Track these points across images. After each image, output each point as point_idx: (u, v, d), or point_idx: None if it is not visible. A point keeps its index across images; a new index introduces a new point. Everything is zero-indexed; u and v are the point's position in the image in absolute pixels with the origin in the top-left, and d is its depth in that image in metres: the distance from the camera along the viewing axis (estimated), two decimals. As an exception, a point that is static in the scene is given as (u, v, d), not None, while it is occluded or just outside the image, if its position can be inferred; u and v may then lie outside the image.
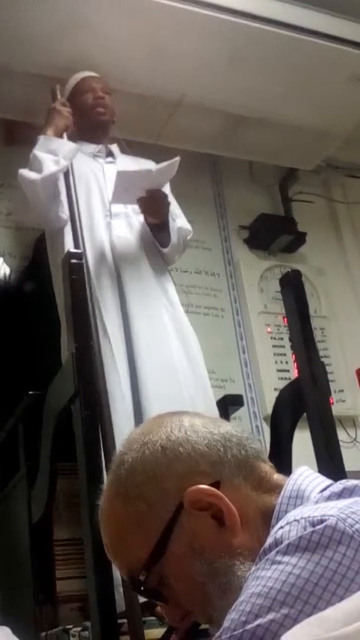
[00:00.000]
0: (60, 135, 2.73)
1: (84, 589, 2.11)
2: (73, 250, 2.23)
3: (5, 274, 3.16)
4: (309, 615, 0.65)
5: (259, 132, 3.62)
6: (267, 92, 3.34)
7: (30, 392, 2.46)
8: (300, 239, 3.96)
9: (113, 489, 0.95)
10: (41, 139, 2.68)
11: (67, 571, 2.27)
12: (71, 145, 2.69)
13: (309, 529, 0.73)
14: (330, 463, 2.19)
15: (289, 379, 3.26)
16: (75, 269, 2.16)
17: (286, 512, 0.83)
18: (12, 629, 1.40)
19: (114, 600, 1.82)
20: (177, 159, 2.59)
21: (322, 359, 2.55)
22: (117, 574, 1.67)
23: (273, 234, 3.90)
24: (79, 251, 2.24)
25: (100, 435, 2.00)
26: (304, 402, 2.38)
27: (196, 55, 3.10)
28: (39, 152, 2.63)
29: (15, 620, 2.29)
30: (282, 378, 3.51)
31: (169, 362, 2.47)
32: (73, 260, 2.17)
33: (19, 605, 2.40)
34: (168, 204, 2.67)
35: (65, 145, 2.68)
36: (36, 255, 3.27)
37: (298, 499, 0.85)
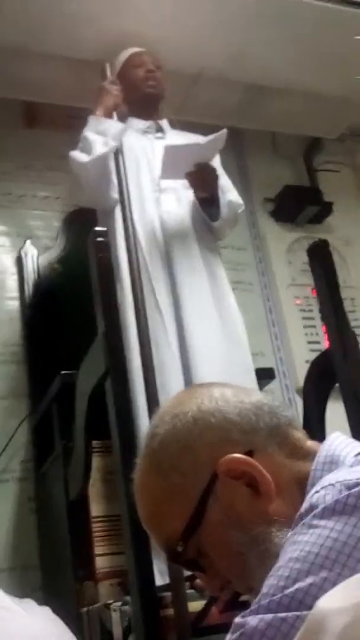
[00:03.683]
0: (109, 115, 2.73)
1: (123, 564, 2.13)
2: (98, 228, 2.23)
3: (32, 256, 3.17)
4: (348, 578, 0.64)
5: (281, 102, 3.58)
6: (286, 60, 3.29)
7: (63, 372, 2.48)
8: (326, 209, 3.92)
9: (146, 462, 0.95)
10: (91, 119, 2.69)
11: (105, 547, 2.29)
12: (120, 125, 2.69)
13: (345, 492, 0.73)
14: (364, 432, 2.18)
15: (320, 350, 3.23)
16: (102, 247, 2.16)
17: (321, 477, 0.82)
18: (53, 607, 1.42)
19: (153, 574, 1.84)
20: (224, 131, 2.58)
21: (353, 329, 2.53)
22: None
23: (299, 205, 3.86)
24: (104, 229, 2.24)
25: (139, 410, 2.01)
26: (335, 373, 2.37)
27: (213, 26, 3.06)
28: (89, 133, 2.64)
29: (57, 598, 2.33)
30: (313, 350, 3.48)
31: (212, 336, 2.48)
32: (99, 239, 2.17)
33: (60, 584, 2.43)
34: (216, 177, 2.66)
35: (114, 126, 2.68)
36: (62, 236, 3.29)
37: (333, 464, 0.84)
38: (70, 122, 3.13)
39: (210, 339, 2.47)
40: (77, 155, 2.64)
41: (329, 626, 0.55)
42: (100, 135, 2.63)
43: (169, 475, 0.91)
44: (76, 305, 2.69)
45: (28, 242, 3.21)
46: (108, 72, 2.87)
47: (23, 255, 3.17)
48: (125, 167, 2.58)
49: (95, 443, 2.25)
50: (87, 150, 2.62)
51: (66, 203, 3.34)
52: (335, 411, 2.38)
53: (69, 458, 2.30)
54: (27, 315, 3.08)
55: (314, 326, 3.63)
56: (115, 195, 2.59)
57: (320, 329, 3.52)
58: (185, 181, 2.65)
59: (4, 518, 2.76)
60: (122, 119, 2.79)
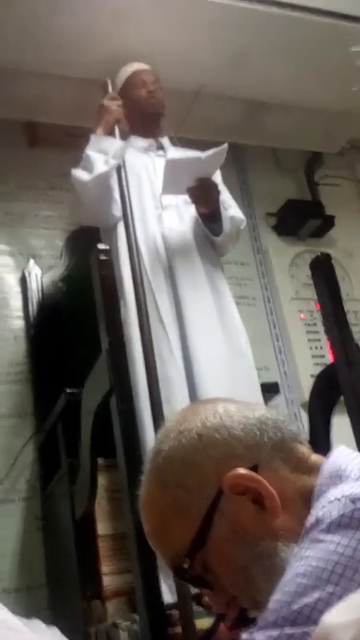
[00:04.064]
0: (110, 131, 2.74)
1: (130, 582, 2.12)
2: (101, 246, 2.23)
3: (36, 275, 3.18)
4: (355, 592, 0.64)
5: (281, 117, 3.60)
6: (286, 76, 3.32)
7: (68, 390, 2.48)
8: (328, 222, 3.93)
9: (152, 479, 0.95)
10: (92, 138, 2.71)
11: (112, 566, 2.28)
12: (121, 143, 2.70)
13: (350, 507, 0.73)
14: (370, 445, 2.17)
15: (325, 364, 3.23)
16: (105, 265, 2.17)
17: (326, 491, 0.82)
18: (61, 627, 1.40)
19: (160, 592, 1.83)
20: (225, 145, 2.58)
21: (357, 342, 2.53)
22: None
23: (301, 219, 3.87)
24: (107, 247, 2.25)
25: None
26: (340, 386, 2.36)
27: (212, 43, 3.08)
28: (90, 151, 2.66)
29: (64, 617, 2.31)
30: (317, 364, 3.48)
31: (216, 350, 2.48)
32: (102, 257, 2.18)
33: (67, 603, 2.42)
34: (218, 192, 2.67)
35: (115, 144, 2.69)
36: (65, 254, 3.29)
37: (338, 477, 0.84)
38: (71, 141, 3.15)
39: (214, 352, 2.47)
40: (79, 173, 2.65)
41: (336, 641, 0.55)
42: (102, 153, 2.64)
43: (174, 492, 0.91)
44: (80, 323, 2.69)
45: (32, 261, 3.22)
46: (110, 87, 2.88)
47: (27, 274, 3.18)
48: (128, 184, 2.60)
49: (100, 461, 2.24)
50: (88, 168, 2.63)
51: (69, 222, 3.35)
52: (341, 425, 2.38)
53: (75, 476, 2.30)
54: (31, 334, 3.08)
55: (318, 340, 3.63)
56: (117, 213, 2.61)
57: (325, 342, 3.52)
58: (187, 197, 2.65)
59: (11, 537, 2.75)
60: (124, 137, 2.80)
